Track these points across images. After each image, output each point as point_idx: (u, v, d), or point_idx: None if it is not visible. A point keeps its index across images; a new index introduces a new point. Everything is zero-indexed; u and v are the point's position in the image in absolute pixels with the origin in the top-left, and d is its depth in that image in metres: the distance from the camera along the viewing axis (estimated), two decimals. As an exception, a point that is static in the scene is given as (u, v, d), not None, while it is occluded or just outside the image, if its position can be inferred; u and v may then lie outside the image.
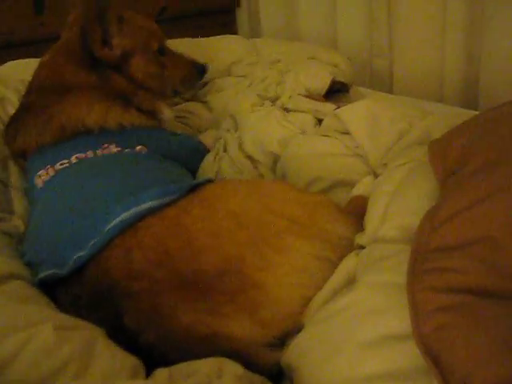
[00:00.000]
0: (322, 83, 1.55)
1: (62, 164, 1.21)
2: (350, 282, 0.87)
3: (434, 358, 0.66)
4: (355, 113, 1.32)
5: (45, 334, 0.77)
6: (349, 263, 0.92)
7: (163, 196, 0.99)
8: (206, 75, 1.72)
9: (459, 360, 0.64)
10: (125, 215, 0.96)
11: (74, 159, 1.21)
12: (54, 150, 1.28)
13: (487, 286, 0.70)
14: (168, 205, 0.98)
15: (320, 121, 1.46)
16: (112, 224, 0.96)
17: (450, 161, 0.92)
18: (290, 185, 1.16)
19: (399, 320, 0.73)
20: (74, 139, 1.29)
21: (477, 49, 1.84)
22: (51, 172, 1.21)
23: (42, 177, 1.21)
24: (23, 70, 1.72)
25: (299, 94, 1.54)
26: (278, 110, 1.51)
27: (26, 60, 1.82)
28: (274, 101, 1.60)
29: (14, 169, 1.38)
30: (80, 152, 1.23)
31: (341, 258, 0.94)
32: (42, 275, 0.99)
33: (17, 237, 1.18)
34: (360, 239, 0.97)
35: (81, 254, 0.95)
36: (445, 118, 1.26)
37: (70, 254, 0.96)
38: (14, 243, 1.15)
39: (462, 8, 1.81)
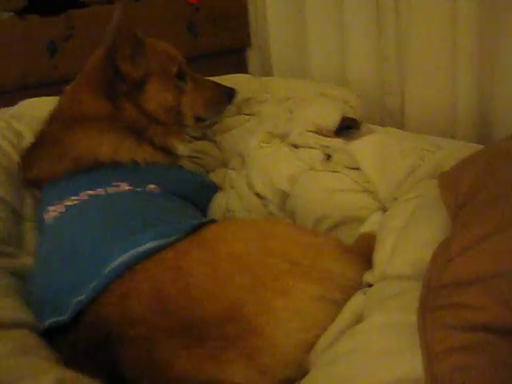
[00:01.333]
0: (332, 120, 1.54)
1: (71, 200, 1.20)
2: (357, 322, 0.83)
3: None
4: (365, 147, 1.30)
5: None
6: (355, 302, 0.88)
7: (162, 237, 0.98)
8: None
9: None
10: (123, 257, 0.94)
11: (83, 196, 1.20)
12: (67, 183, 1.28)
13: (505, 323, 0.66)
14: (167, 246, 0.96)
15: (329, 157, 1.44)
16: (111, 267, 0.94)
17: (461, 193, 0.89)
18: (294, 225, 1.14)
19: (411, 362, 0.69)
20: (87, 174, 1.29)
21: (489, 84, 1.83)
22: (60, 208, 1.19)
23: (51, 212, 1.20)
24: (37, 107, 1.74)
25: (309, 131, 1.53)
26: (287, 147, 1.49)
27: (40, 98, 1.85)
28: (283, 138, 1.59)
29: (28, 200, 1.39)
30: (91, 189, 1.22)
31: (347, 299, 0.91)
32: (45, 324, 0.96)
33: (25, 276, 1.15)
34: (368, 277, 0.94)
35: (80, 298, 0.93)
36: (457, 151, 1.24)
37: (70, 298, 0.94)
38: (22, 283, 1.12)
39: (473, 43, 1.81)
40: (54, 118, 1.43)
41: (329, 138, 1.47)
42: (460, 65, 1.86)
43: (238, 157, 1.66)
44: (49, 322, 0.95)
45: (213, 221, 1.09)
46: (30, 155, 1.40)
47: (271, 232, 1.02)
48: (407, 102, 2.12)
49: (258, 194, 1.46)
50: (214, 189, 1.59)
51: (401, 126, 2.15)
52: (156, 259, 0.94)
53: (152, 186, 1.30)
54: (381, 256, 0.93)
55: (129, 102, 1.40)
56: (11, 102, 1.89)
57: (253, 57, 2.91)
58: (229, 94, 1.63)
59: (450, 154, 1.22)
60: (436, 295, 0.74)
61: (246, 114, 1.86)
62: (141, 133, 1.40)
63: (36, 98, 1.87)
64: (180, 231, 1.00)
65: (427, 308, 0.73)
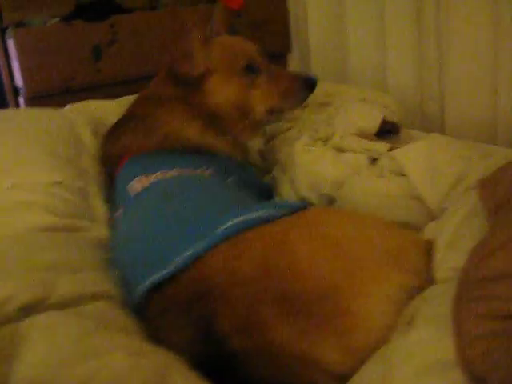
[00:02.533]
0: (374, 122, 1.55)
1: (162, 173, 1.24)
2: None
3: (479, 382, 0.68)
4: (412, 155, 1.31)
5: (117, 361, 0.78)
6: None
7: (274, 209, 1.02)
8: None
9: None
10: (235, 221, 0.97)
11: (174, 171, 1.25)
12: (152, 159, 1.33)
13: None
14: (273, 221, 1.00)
15: (373, 160, 1.45)
16: (222, 228, 0.97)
17: (499, 196, 0.94)
18: (382, 219, 1.16)
19: (447, 348, 0.74)
20: (172, 155, 1.34)
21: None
22: (151, 178, 1.23)
23: (142, 182, 1.24)
24: (82, 111, 1.79)
25: (351, 134, 1.54)
26: (331, 151, 1.51)
27: (89, 101, 1.90)
28: (324, 141, 1.60)
29: (92, 177, 1.45)
30: (180, 167, 1.27)
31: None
32: (151, 280, 0.96)
33: (99, 245, 1.21)
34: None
35: (189, 252, 0.95)
36: (504, 159, 1.24)
37: (175, 254, 0.96)
38: (101, 253, 1.17)
39: (514, 49, 1.81)
40: (136, 102, 1.53)
41: (373, 142, 1.49)
42: (501, 70, 1.86)
43: (279, 165, 1.68)
44: (153, 278, 0.96)
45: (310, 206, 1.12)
46: (115, 132, 1.46)
47: (368, 223, 1.05)
48: (447, 108, 2.12)
49: (303, 198, 1.48)
50: (272, 194, 1.63)
51: (441, 132, 2.14)
52: (264, 231, 0.98)
53: (230, 179, 1.34)
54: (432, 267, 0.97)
55: (197, 96, 1.46)
56: (57, 105, 1.95)
57: (293, 62, 2.93)
58: (308, 82, 1.55)
59: (498, 162, 1.21)
60: (471, 288, 0.79)
61: (287, 121, 1.88)
62: (216, 124, 1.45)
63: (84, 102, 1.92)
64: (290, 207, 1.04)
65: (462, 299, 0.79)
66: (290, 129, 1.85)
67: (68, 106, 1.89)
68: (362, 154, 1.46)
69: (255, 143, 1.57)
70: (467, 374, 0.69)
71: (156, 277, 0.96)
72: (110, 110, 1.79)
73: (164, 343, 0.91)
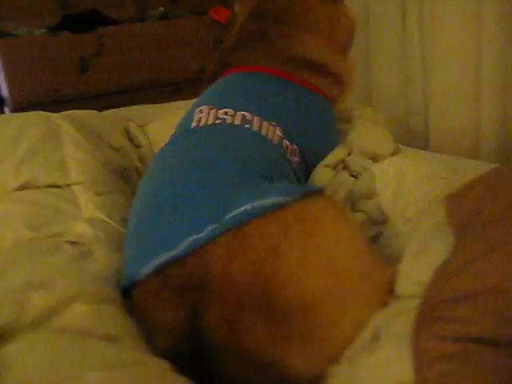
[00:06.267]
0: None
1: (226, 113, 1.21)
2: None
3: None
4: (382, 172, 1.30)
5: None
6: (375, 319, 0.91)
7: (286, 194, 0.97)
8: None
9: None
10: (247, 207, 0.93)
11: (238, 116, 1.21)
12: (238, 87, 1.31)
13: (491, 335, 0.72)
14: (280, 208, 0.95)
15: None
16: (234, 213, 0.93)
17: (465, 211, 0.94)
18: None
19: (409, 370, 0.74)
20: (259, 88, 1.33)
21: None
22: (211, 118, 1.20)
23: (200, 115, 1.22)
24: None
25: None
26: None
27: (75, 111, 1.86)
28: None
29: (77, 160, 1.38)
30: (249, 111, 1.23)
31: None
32: (157, 262, 0.92)
33: (77, 244, 1.13)
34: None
35: (199, 236, 0.91)
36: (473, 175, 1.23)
37: (185, 235, 0.93)
38: (79, 251, 1.10)
39: (497, 64, 1.82)
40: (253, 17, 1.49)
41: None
42: (484, 85, 1.87)
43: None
44: (162, 258, 0.92)
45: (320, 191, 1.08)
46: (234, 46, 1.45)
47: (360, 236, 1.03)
48: (431, 122, 2.13)
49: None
50: None
51: (425, 145, 2.15)
52: (266, 226, 0.93)
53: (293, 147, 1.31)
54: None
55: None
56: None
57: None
58: None
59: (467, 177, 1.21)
60: (433, 309, 0.79)
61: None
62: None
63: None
64: (300, 192, 1.00)
65: (424, 320, 0.79)
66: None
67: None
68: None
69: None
70: None
71: (159, 260, 0.93)
72: (95, 119, 1.71)
73: (148, 324, 0.92)
